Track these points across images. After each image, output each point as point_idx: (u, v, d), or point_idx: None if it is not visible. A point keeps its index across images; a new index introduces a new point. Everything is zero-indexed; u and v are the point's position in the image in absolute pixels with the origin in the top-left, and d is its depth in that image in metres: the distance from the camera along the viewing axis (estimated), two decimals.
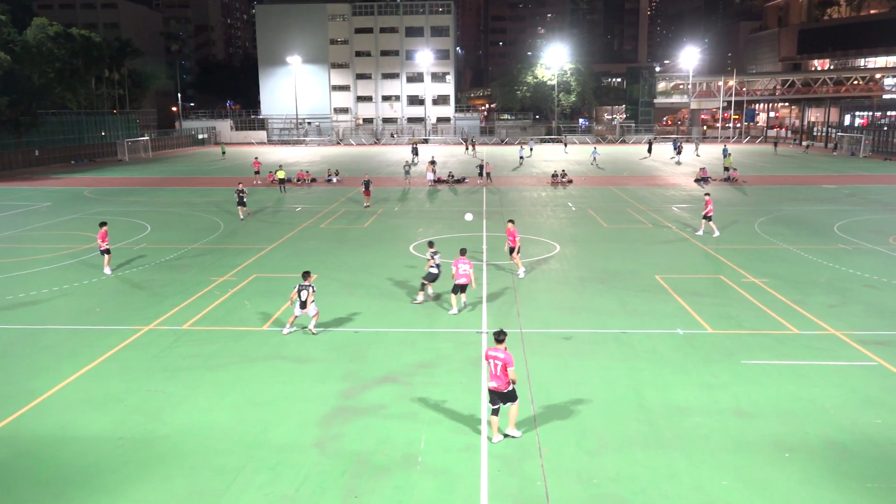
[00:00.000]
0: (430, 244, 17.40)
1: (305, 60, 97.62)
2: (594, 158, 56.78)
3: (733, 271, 20.34)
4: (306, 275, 14.93)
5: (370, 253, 23.15)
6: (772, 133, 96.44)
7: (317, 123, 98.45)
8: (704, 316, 16.10)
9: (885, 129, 69.25)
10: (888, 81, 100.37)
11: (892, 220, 29.00)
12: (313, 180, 45.42)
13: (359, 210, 32.78)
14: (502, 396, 10.43)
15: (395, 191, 40.61)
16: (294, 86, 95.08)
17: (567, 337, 14.82)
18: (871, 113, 73.69)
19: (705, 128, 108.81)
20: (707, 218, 25.76)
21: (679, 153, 61.45)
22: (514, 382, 10.32)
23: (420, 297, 16.90)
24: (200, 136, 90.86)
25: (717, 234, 25.64)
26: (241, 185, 30.18)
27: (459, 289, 16.20)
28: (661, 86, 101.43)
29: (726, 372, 13.00)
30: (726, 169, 44.89)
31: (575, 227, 28.24)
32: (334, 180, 45.37)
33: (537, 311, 16.72)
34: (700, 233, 25.86)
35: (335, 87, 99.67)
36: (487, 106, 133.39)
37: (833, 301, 17.26)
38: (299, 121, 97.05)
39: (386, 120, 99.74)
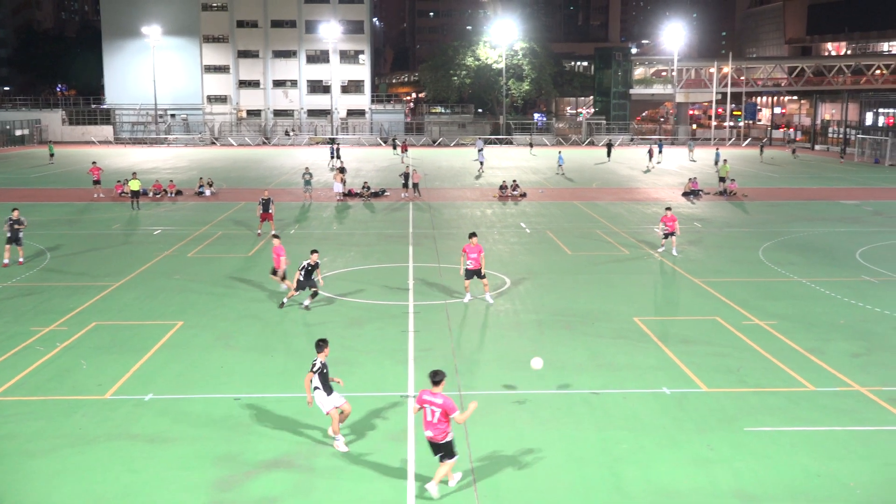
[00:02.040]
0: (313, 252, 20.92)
1: (168, 31, 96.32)
2: (560, 165, 58.16)
3: (733, 311, 21.01)
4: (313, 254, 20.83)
5: (255, 291, 22.84)
6: (780, 134, 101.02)
7: (183, 116, 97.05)
8: (697, 370, 16.54)
9: None
10: None
11: None
12: (178, 193, 44.68)
13: (243, 233, 32.36)
14: (437, 448, 11.53)
15: (292, 207, 40.41)
16: (152, 66, 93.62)
17: (521, 400, 14.93)
18: (895, 110, 78.17)
19: (695, 127, 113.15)
20: (669, 235, 28.44)
21: (651, 157, 64.44)
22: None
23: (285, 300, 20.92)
24: (19, 133, 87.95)
25: (675, 253, 28.36)
26: (15, 214, 26.13)
27: (473, 274, 21.28)
28: (639, 72, 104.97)
29: (726, 442, 13.31)
30: (722, 180, 46.73)
31: (530, 254, 28.63)
32: (207, 193, 44.75)
33: (481, 365, 16.81)
34: (662, 250, 28.81)
35: (209, 69, 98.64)
36: (414, 96, 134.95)
37: (857, 349, 18.02)
38: (160, 113, 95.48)
39: (278, 113, 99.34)
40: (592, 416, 14.28)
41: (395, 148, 78.96)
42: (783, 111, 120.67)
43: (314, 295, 21.12)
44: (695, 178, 47.09)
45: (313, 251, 21.04)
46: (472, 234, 21.62)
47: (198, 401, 14.82)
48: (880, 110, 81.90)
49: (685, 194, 45.30)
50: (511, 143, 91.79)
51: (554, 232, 33.22)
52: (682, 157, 72.49)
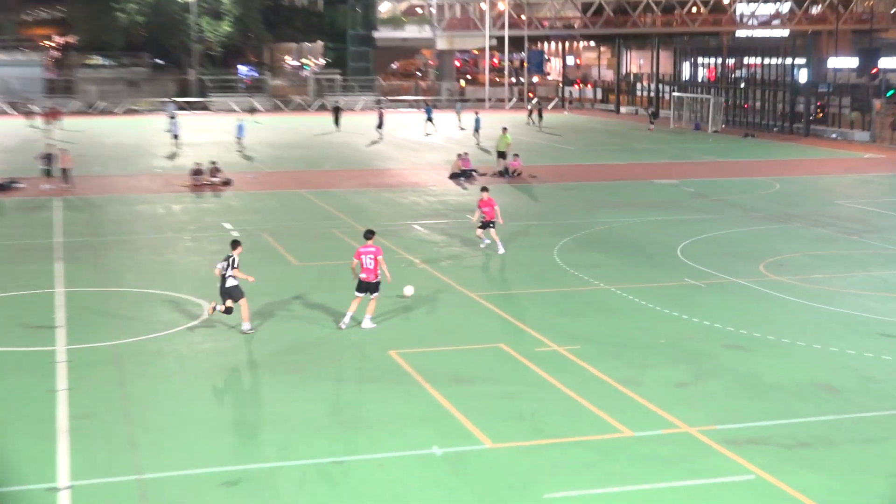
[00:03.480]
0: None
1: None
2: (238, 139, 59.65)
3: (522, 335, 21.71)
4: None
5: None
6: (577, 93, 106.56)
7: None
8: (478, 419, 16.82)
9: (743, 86, 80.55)
10: (741, 7, 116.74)
11: (762, 234, 33.49)
12: None
13: None
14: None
15: None
16: None
17: (232, 480, 14.52)
18: (719, 59, 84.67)
19: (463, 83, 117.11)
20: (488, 225, 29.94)
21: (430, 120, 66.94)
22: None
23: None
24: None
25: (501, 250, 30.01)
26: None
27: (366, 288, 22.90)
28: (386, 8, 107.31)
29: None
30: (501, 156, 48.47)
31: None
32: None
33: (171, 433, 16.26)
34: (484, 246, 30.47)
35: None
36: (60, 41, 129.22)
37: (682, 376, 19.12)
38: None
39: None
40: (334, 495, 14.16)
41: (29, 117, 75.66)
42: (578, 62, 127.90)
43: None
44: (465, 154, 48.45)
45: None
46: (369, 233, 22.47)
47: None
48: (700, 60, 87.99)
49: (453, 176, 46.56)
50: (207, 108, 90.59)
51: (273, 234, 33.10)
52: (450, 127, 74.78)
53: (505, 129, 51.00)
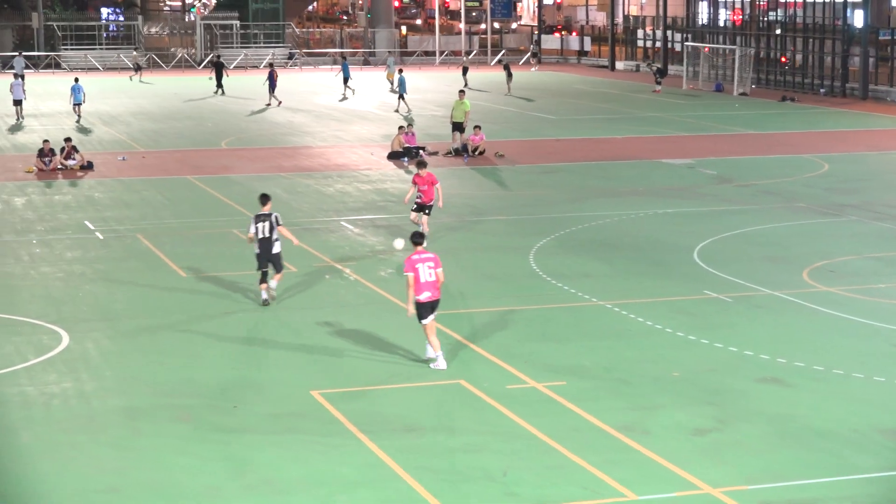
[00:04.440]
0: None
1: None
2: (76, 106, 60.52)
3: (490, 368, 21.74)
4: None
5: None
6: (556, 43, 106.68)
7: None
8: (433, 483, 16.69)
9: (779, 32, 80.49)
10: None
11: (806, 231, 33.76)
12: None
13: None
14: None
15: None
16: None
17: None
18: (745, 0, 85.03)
19: (403, 31, 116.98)
20: (423, 209, 31.28)
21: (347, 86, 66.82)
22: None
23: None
24: None
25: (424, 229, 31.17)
26: None
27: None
28: None
29: None
30: (458, 128, 48.40)
31: (107, 282, 28.39)
32: None
33: None
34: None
35: None
36: None
37: (702, 420, 19.16)
38: None
39: None
40: None
41: None
42: (557, 2, 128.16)
43: None
44: (409, 126, 48.53)
45: None
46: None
47: None
48: None
49: (394, 155, 46.52)
50: (58, 65, 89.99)
51: (151, 236, 32.99)
52: (379, 86, 74.68)
53: (462, 92, 51.17)
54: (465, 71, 79.90)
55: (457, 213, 35.84)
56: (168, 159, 47.46)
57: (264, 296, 25.80)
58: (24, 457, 18.04)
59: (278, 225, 25.37)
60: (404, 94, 64.90)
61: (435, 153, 47.02)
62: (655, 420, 19.12)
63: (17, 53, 79.94)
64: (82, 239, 32.60)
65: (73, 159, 43.83)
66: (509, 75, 77.18)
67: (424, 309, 21.58)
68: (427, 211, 31.11)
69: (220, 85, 74.09)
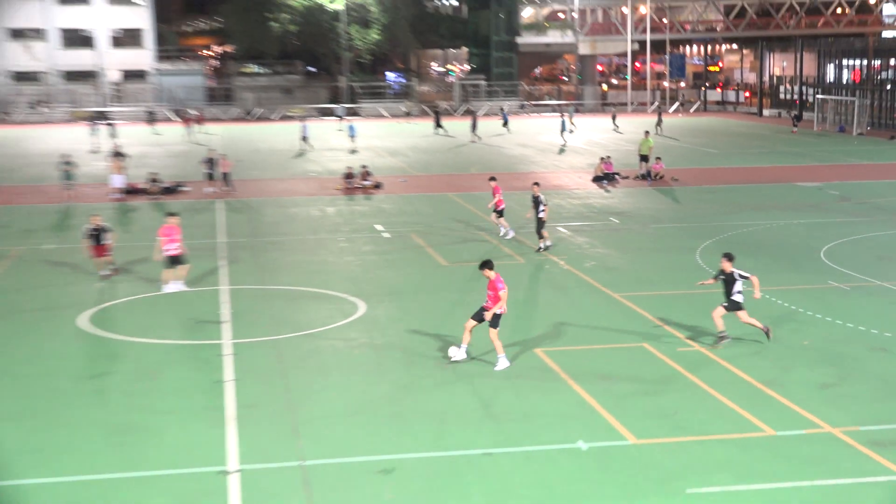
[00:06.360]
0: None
1: None
2: (352, 138, 63.96)
3: (665, 335, 21.74)
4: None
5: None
6: (717, 95, 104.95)
7: None
8: (622, 416, 16.99)
9: (889, 87, 78.14)
10: (888, 7, 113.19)
11: None
12: None
13: None
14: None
15: (48, 212, 39.50)
16: None
17: (386, 469, 14.99)
18: (863, 61, 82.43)
19: (605, 87, 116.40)
20: (499, 213, 32.57)
21: (566, 131, 66.00)
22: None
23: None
24: None
25: (510, 234, 32.68)
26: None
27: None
28: (528, 14, 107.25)
29: None
30: (644, 159, 48.20)
31: (390, 268, 28.99)
32: None
33: (329, 422, 16.82)
34: (509, 235, 32.59)
35: None
36: (219, 50, 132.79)
37: (825, 377, 18.96)
38: None
39: (20, 77, 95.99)
40: (484, 485, 14.45)
41: (187, 123, 74.73)
42: (720, 65, 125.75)
43: None
44: (608, 157, 48.50)
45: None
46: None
47: None
48: (844, 62, 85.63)
49: (596, 179, 46.61)
50: (357, 113, 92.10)
51: (422, 235, 33.61)
52: (592, 130, 74.46)
53: (647, 132, 50.77)
54: (659, 119, 76.80)
55: (641, 222, 35.79)
56: (434, 181, 48.22)
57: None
58: (333, 389, 18.62)
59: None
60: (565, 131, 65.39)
61: (626, 177, 46.90)
62: (789, 376, 18.94)
63: (339, 105, 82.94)
64: (374, 237, 33.47)
65: (368, 181, 44.92)
66: (660, 121, 75.22)
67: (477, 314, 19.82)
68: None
69: (438, 125, 74.57)
